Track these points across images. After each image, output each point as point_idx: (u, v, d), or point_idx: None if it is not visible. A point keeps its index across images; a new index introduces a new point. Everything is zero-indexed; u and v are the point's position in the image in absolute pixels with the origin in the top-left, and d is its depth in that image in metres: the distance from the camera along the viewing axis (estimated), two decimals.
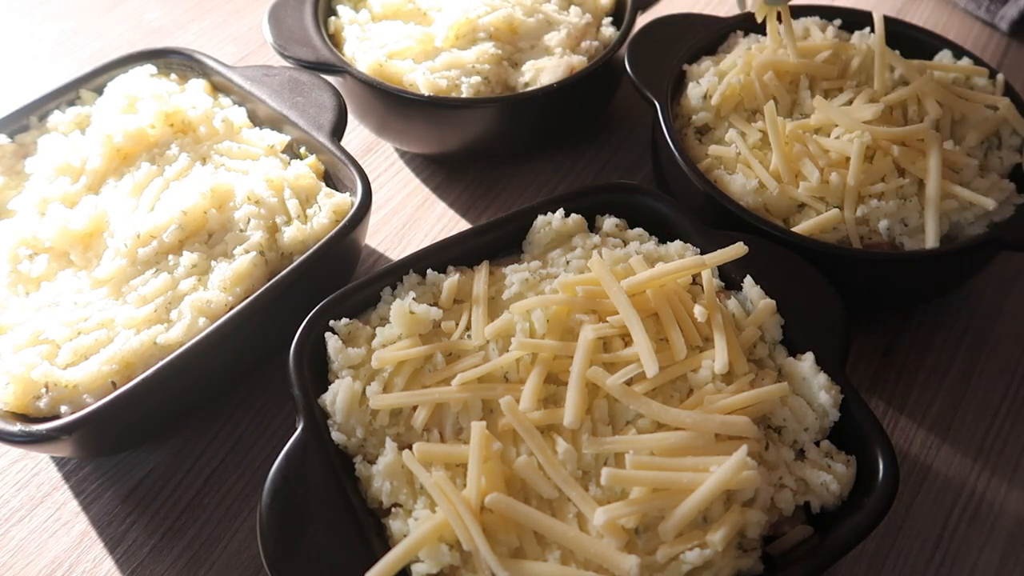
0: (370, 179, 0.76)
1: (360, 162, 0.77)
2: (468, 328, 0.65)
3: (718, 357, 0.61)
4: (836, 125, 0.79)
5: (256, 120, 0.85)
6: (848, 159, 0.77)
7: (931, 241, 0.74)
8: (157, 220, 0.72)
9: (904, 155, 0.77)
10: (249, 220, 0.72)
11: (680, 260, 0.65)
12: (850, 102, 0.81)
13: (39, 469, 0.74)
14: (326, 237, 0.72)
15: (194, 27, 1.20)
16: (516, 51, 0.93)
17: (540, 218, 0.72)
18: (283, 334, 0.64)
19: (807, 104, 0.82)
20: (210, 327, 0.65)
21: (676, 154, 0.80)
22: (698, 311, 0.62)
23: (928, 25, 0.99)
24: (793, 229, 0.75)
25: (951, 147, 0.78)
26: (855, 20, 0.92)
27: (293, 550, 0.54)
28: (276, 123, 0.84)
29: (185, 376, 0.65)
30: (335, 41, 0.95)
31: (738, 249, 0.65)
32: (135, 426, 0.68)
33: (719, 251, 0.65)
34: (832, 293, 0.67)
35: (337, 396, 0.61)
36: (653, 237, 0.74)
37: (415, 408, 0.61)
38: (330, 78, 0.87)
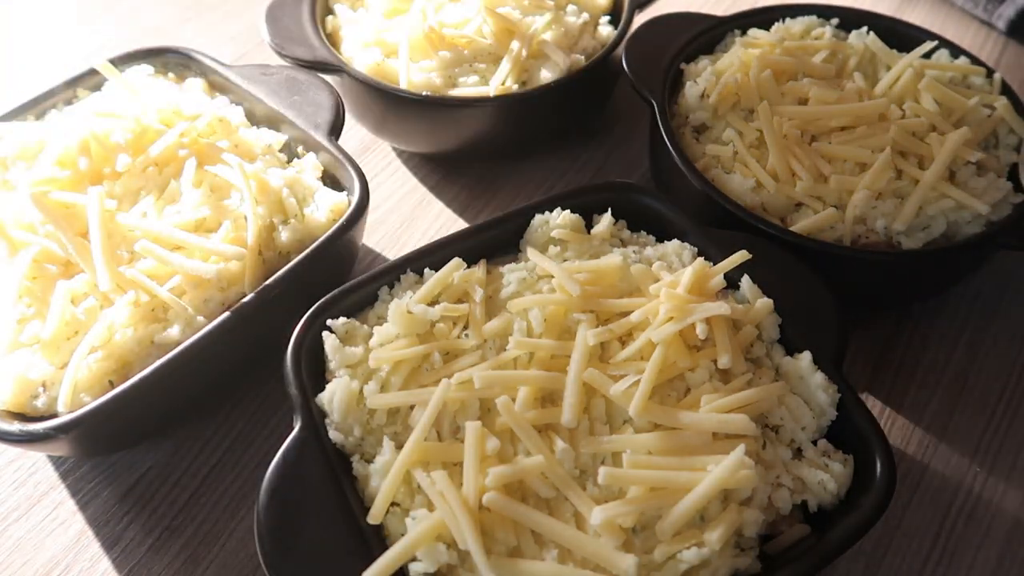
0: (367, 178, 0.76)
1: (357, 161, 0.77)
2: (466, 327, 0.65)
3: (721, 354, 0.61)
4: (835, 129, 0.80)
5: (253, 119, 0.85)
6: (845, 159, 0.77)
7: (901, 224, 0.74)
8: (154, 219, 0.72)
9: (905, 152, 0.77)
10: (246, 219, 0.72)
11: (689, 269, 0.65)
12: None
13: (36, 468, 0.74)
14: (323, 236, 0.72)
15: (191, 26, 1.20)
16: None
17: (537, 217, 0.72)
18: (280, 333, 0.64)
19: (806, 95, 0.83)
20: (207, 326, 0.65)
21: (673, 153, 0.80)
22: (700, 329, 0.62)
23: (925, 24, 0.99)
24: (791, 228, 0.75)
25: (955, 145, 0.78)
26: (852, 19, 0.93)
27: (290, 549, 0.54)
28: (274, 122, 0.84)
29: (182, 375, 0.65)
30: (332, 40, 0.95)
31: (742, 256, 0.65)
32: (132, 425, 0.68)
33: (727, 260, 0.65)
34: (829, 292, 0.67)
35: (334, 395, 0.61)
36: (650, 236, 0.74)
37: (412, 407, 0.61)
38: (328, 77, 0.87)
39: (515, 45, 0.89)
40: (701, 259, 0.68)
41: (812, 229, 0.75)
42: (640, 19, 0.95)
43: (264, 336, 0.72)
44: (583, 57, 0.91)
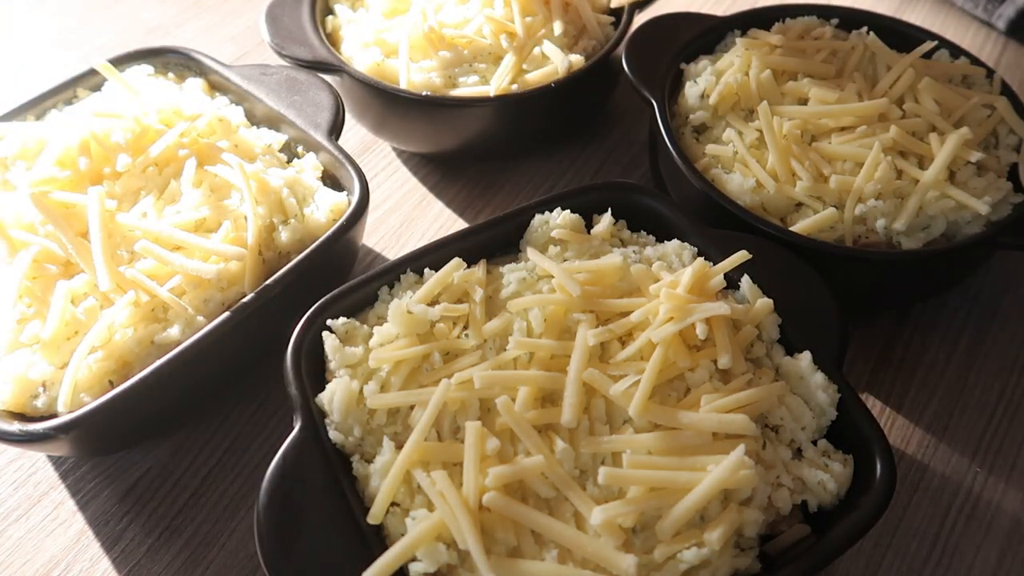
0: (367, 178, 0.76)
1: (357, 161, 0.77)
2: (466, 327, 0.65)
3: (721, 354, 0.61)
4: (835, 129, 0.79)
5: (253, 119, 0.85)
6: (845, 159, 0.77)
7: (901, 224, 0.74)
8: (154, 219, 0.72)
9: (906, 151, 0.77)
10: (246, 219, 0.72)
11: (689, 269, 0.65)
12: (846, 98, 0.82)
13: (36, 468, 0.74)
14: (323, 236, 0.72)
15: (191, 26, 1.20)
16: None
17: (537, 217, 0.72)
18: (280, 333, 0.64)
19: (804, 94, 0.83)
20: (207, 326, 0.66)
21: (674, 153, 0.80)
22: (700, 329, 0.62)
23: (926, 24, 0.99)
24: (791, 228, 0.75)
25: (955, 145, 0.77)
26: (852, 19, 0.92)
27: (290, 549, 0.54)
28: (273, 122, 0.84)
29: (182, 375, 0.65)
30: (332, 40, 0.95)
31: (742, 256, 0.65)
32: (132, 425, 0.68)
33: (727, 260, 0.65)
34: (829, 292, 0.67)
35: (334, 395, 0.61)
36: (650, 236, 0.74)
37: (412, 407, 0.61)
38: (327, 77, 0.87)
39: (515, 45, 0.89)
40: (701, 259, 0.68)
41: (812, 229, 0.75)
42: (640, 19, 0.95)
43: (264, 336, 0.72)
44: (583, 57, 0.91)
